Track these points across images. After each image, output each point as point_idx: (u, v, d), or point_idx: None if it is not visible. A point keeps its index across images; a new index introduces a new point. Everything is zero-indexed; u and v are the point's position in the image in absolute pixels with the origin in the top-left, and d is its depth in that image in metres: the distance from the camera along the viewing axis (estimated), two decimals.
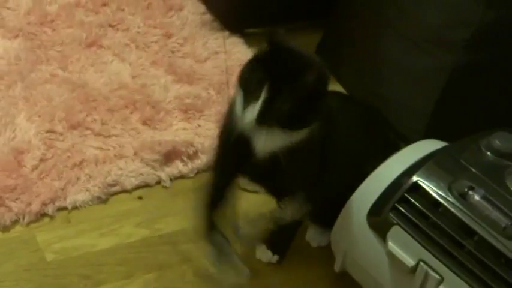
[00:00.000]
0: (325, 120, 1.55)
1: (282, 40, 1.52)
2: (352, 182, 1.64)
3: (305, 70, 1.46)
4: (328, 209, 1.70)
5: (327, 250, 1.73)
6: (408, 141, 1.78)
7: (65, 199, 1.83)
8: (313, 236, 1.82)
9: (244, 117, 1.48)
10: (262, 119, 1.46)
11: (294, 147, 1.51)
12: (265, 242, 1.76)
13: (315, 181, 1.63)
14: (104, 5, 2.40)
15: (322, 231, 1.79)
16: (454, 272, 1.45)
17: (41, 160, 1.89)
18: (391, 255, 1.53)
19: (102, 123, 2.01)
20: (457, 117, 1.94)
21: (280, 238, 1.77)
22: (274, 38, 1.51)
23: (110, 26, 2.34)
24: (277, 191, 1.66)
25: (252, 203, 1.81)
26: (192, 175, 1.96)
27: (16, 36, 2.24)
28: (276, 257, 1.77)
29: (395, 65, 2.02)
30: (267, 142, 1.51)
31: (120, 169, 1.91)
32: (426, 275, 1.48)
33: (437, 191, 1.52)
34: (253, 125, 1.48)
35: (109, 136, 1.99)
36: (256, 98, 1.46)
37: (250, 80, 1.49)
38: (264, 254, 1.76)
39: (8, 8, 2.34)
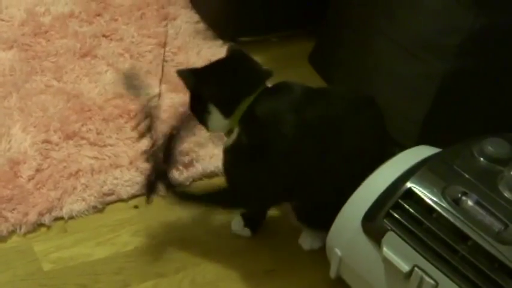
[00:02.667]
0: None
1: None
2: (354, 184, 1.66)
3: None
4: (323, 212, 1.72)
5: (322, 256, 1.74)
6: (401, 147, 1.79)
7: (61, 209, 1.84)
8: (305, 239, 1.83)
9: None
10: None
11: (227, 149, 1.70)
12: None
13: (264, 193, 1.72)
14: (98, 15, 2.42)
15: (315, 234, 1.81)
16: (448, 277, 1.47)
17: (37, 170, 1.90)
18: (386, 261, 1.54)
19: (98, 133, 2.02)
20: (450, 123, 1.95)
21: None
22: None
23: (104, 36, 2.35)
24: None
25: None
26: (187, 184, 1.96)
27: (10, 48, 2.25)
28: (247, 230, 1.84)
29: (388, 71, 2.03)
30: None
31: (116, 178, 1.92)
32: (421, 280, 1.49)
33: (431, 196, 1.53)
34: None
35: (104, 146, 2.00)
36: None
37: None
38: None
39: (2, 20, 2.35)
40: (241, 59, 1.73)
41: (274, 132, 1.65)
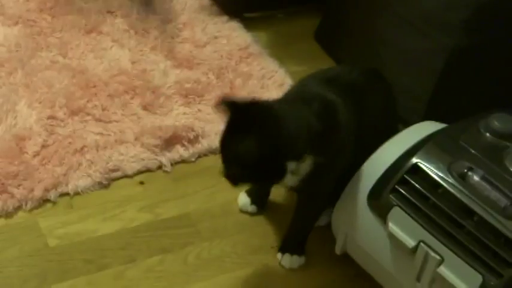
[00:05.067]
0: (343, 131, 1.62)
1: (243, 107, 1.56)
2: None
3: (244, 142, 1.51)
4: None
5: (327, 232, 1.74)
6: (408, 123, 1.79)
7: (67, 185, 1.84)
8: None
9: None
10: (230, 179, 1.60)
11: (304, 178, 1.59)
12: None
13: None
14: None
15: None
16: (454, 252, 1.47)
17: (43, 146, 1.90)
18: (392, 237, 1.54)
19: (103, 109, 2.02)
20: (456, 99, 1.94)
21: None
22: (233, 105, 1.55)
23: (109, 12, 2.34)
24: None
25: None
26: (193, 159, 1.96)
27: (16, 23, 2.25)
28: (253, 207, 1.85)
29: (394, 47, 2.03)
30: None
31: (121, 154, 1.92)
32: (426, 255, 1.49)
33: (437, 172, 1.53)
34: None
35: (110, 122, 2.00)
36: None
37: None
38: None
39: None
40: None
41: (336, 136, 1.62)
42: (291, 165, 1.55)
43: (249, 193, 1.84)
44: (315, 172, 1.59)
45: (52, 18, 2.29)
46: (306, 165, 1.58)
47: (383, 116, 1.76)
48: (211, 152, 1.98)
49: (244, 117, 1.54)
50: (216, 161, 1.94)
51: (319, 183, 1.65)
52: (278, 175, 1.56)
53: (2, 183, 1.80)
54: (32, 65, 2.11)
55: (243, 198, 1.85)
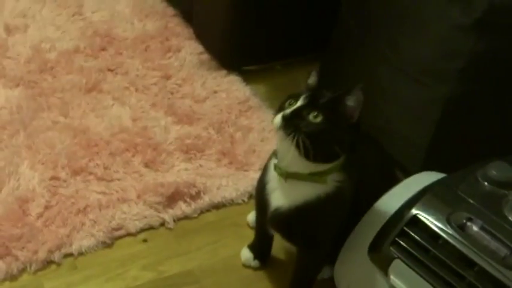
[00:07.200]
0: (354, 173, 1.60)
1: None
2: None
3: (346, 95, 1.57)
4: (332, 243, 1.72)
5: (330, 285, 1.74)
6: (405, 171, 1.80)
7: (70, 245, 1.85)
8: None
9: (275, 118, 1.53)
10: (290, 122, 1.51)
11: (320, 200, 1.57)
12: None
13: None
14: (103, 49, 2.44)
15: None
16: None
17: (46, 208, 1.91)
18: None
19: (105, 168, 2.03)
20: (454, 147, 1.95)
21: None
22: None
23: (109, 70, 2.37)
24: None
25: None
26: (195, 215, 1.97)
27: (17, 85, 2.28)
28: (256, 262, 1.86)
29: (391, 97, 2.04)
30: (291, 194, 1.59)
31: (124, 213, 1.93)
32: None
33: (436, 223, 1.54)
34: (280, 128, 1.52)
35: (112, 180, 2.01)
36: (293, 104, 1.55)
37: (296, 93, 1.59)
38: None
39: (9, 58, 2.37)
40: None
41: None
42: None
43: (252, 248, 1.85)
44: (335, 197, 1.59)
45: (53, 79, 2.32)
46: (334, 177, 1.57)
47: (377, 173, 1.77)
48: (214, 207, 1.99)
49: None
50: (218, 216, 1.97)
51: (315, 223, 1.64)
52: (341, 143, 1.56)
53: (6, 246, 1.81)
54: (33, 126, 2.13)
55: (245, 253, 1.85)
